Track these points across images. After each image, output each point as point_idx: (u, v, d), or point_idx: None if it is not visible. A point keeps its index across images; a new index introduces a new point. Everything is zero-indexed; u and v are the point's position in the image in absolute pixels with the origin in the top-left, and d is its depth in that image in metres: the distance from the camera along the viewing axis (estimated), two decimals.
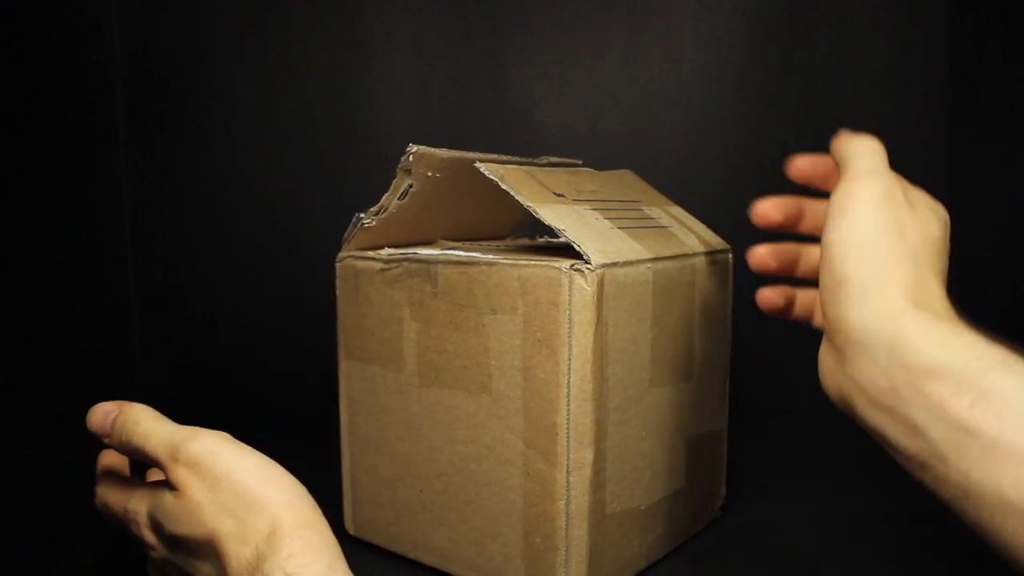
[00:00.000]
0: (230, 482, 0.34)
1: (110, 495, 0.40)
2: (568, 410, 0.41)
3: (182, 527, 0.35)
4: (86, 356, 0.72)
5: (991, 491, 0.27)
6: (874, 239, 0.34)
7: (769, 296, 0.44)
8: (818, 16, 0.75)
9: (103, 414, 0.39)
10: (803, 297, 0.45)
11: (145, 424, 0.37)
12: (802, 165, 0.42)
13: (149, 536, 0.37)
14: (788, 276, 0.44)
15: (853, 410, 0.34)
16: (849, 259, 0.34)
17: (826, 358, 0.35)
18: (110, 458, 0.41)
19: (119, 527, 0.39)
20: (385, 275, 0.48)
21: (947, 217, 0.37)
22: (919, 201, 0.37)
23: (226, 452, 0.35)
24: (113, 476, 0.41)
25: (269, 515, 0.33)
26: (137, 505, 0.38)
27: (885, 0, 0.74)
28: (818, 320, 0.44)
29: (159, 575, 0.39)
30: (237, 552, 0.32)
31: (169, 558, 0.37)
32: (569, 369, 0.40)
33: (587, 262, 0.40)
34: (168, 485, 0.36)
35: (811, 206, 0.43)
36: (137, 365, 0.75)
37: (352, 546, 0.52)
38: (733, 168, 0.76)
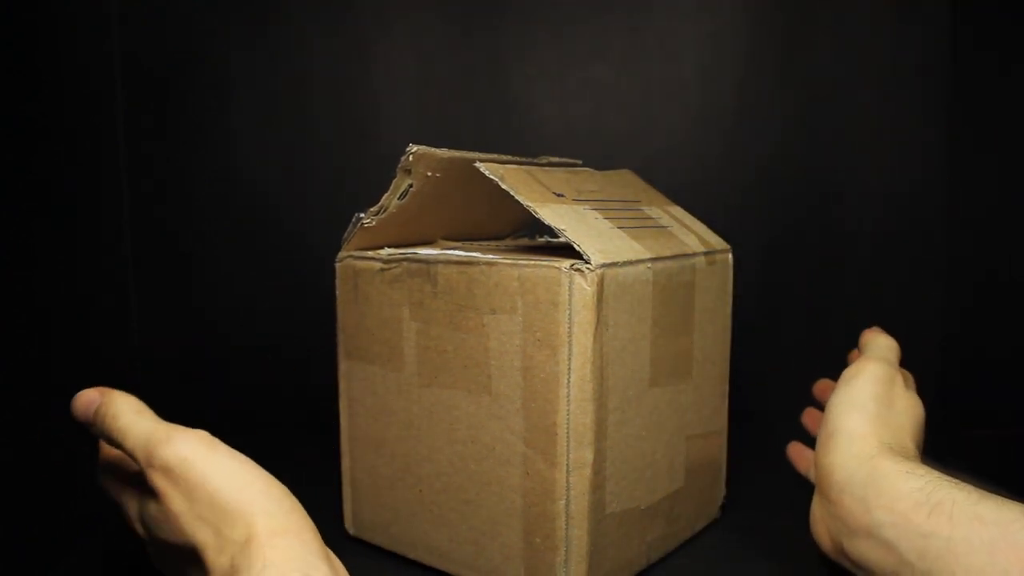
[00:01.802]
0: (204, 490, 0.33)
1: (108, 484, 0.40)
2: (568, 410, 0.41)
3: (164, 534, 0.35)
4: (86, 356, 0.72)
5: None
6: (865, 403, 0.43)
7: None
8: (818, 16, 0.75)
9: (86, 403, 0.38)
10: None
11: (124, 419, 0.36)
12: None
13: (142, 531, 0.38)
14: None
15: (841, 545, 0.41)
16: (843, 415, 0.43)
17: (816, 509, 0.44)
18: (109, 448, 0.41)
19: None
20: (385, 275, 0.48)
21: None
22: (914, 391, 0.47)
23: (199, 459, 0.34)
24: (112, 466, 0.40)
25: (244, 524, 0.32)
26: (128, 502, 0.38)
27: (885, 1, 0.74)
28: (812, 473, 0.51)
29: (159, 560, 0.39)
30: (215, 561, 0.32)
31: (163, 554, 0.37)
32: (569, 369, 0.40)
33: (587, 262, 0.40)
34: (151, 490, 0.35)
35: None
36: (137, 365, 0.75)
37: (352, 546, 0.52)
38: (733, 168, 0.76)
